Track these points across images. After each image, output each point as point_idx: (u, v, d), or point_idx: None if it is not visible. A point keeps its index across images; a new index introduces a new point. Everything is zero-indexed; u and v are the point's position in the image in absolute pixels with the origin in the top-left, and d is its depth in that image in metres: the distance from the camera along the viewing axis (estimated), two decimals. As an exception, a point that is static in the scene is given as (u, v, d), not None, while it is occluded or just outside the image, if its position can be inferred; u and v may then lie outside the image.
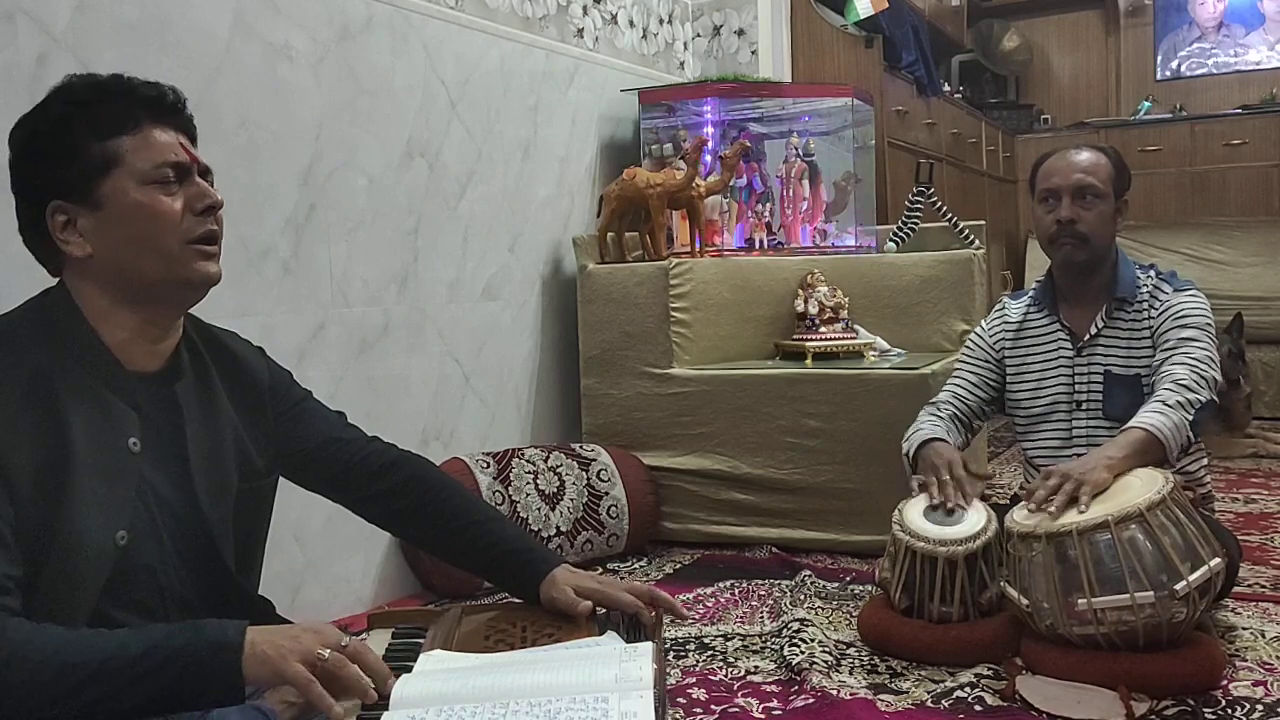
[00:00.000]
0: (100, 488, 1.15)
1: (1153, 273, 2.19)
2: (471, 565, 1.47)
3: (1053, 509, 1.82)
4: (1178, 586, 1.71)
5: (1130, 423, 1.96)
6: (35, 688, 1.02)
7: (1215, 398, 1.99)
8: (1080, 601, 1.74)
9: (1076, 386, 2.18)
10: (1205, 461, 2.22)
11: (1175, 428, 1.92)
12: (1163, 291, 2.14)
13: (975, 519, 2.00)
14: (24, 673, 1.02)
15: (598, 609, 1.36)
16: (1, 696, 1.02)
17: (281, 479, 1.44)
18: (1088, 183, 2.12)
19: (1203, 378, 1.98)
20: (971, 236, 3.25)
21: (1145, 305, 2.14)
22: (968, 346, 2.37)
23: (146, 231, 1.18)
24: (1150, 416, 1.94)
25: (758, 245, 3.38)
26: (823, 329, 3.03)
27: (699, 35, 4.08)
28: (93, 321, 1.21)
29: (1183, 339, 2.05)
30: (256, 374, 1.38)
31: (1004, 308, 2.34)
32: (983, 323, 2.38)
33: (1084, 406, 2.17)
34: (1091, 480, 1.84)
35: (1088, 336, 2.17)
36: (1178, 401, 1.94)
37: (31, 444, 1.11)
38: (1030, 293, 2.31)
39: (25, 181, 1.21)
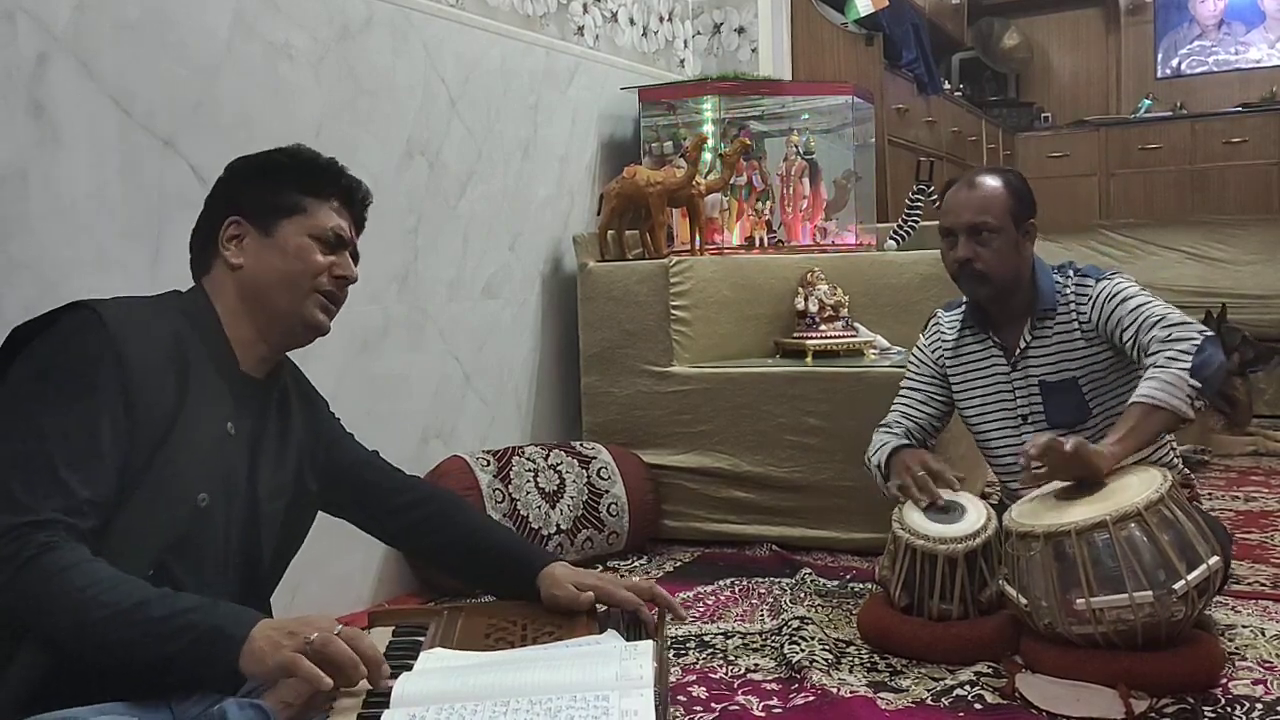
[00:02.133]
0: (197, 452, 1.31)
1: (1070, 272, 2.15)
2: (474, 569, 1.59)
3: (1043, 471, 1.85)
4: (1176, 586, 1.71)
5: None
6: (62, 611, 1.13)
7: (1206, 329, 1.93)
8: (1079, 601, 1.74)
9: (1018, 400, 2.16)
10: (1171, 444, 2.15)
11: (1169, 384, 1.87)
12: (1086, 286, 2.10)
13: (975, 517, 2.00)
14: (58, 594, 1.13)
15: (598, 606, 1.38)
16: (30, 609, 1.14)
17: None
18: (980, 221, 2.08)
19: (1177, 324, 1.94)
20: (971, 235, 3.25)
21: (1071, 308, 2.11)
22: (911, 363, 2.34)
23: (293, 269, 1.41)
24: (1140, 386, 1.90)
25: (758, 243, 3.38)
26: (823, 327, 3.02)
27: (699, 33, 4.08)
28: (223, 320, 1.40)
29: (1133, 309, 2.00)
30: (324, 414, 1.60)
31: (938, 322, 2.31)
32: (921, 339, 2.34)
33: (1030, 419, 2.14)
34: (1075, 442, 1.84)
35: (1018, 350, 2.15)
36: (1167, 358, 1.89)
37: (159, 392, 1.28)
38: (960, 308, 2.27)
39: (227, 194, 1.44)
